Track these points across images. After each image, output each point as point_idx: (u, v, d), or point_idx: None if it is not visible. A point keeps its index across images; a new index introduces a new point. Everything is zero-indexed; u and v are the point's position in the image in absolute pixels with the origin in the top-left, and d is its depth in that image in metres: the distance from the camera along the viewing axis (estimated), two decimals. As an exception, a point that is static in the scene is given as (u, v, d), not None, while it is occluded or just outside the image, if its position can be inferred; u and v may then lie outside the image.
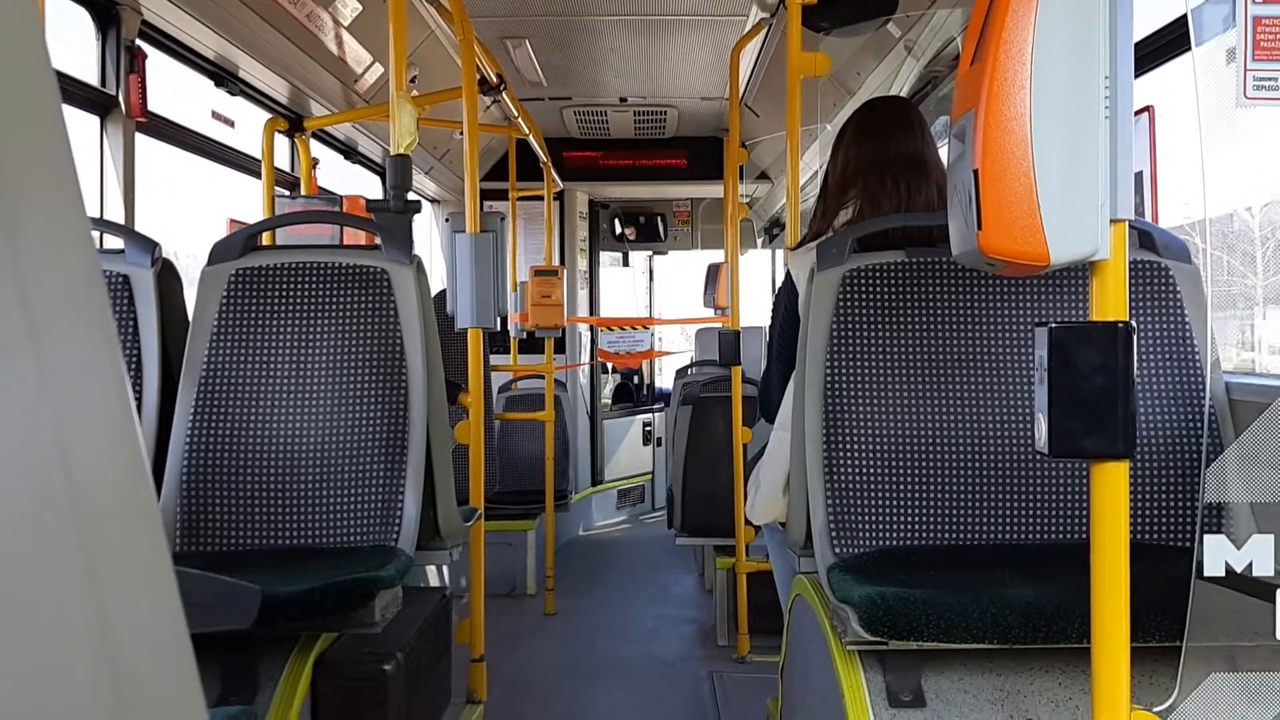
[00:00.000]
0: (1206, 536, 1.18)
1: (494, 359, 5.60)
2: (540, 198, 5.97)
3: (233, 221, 3.70)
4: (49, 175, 0.55)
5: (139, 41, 3.01)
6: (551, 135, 6.40)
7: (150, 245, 2.39)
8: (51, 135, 0.55)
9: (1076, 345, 1.11)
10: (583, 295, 7.59)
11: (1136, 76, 2.34)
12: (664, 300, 9.21)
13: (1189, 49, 1.30)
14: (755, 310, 9.31)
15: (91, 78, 2.95)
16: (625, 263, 8.56)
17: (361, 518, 2.18)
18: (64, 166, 0.55)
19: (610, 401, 8.11)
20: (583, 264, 7.57)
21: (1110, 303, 1.11)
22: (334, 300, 2.29)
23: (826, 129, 4.47)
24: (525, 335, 5.87)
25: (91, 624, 0.53)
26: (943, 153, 3.38)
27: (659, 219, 8.15)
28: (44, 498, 0.51)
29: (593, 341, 7.73)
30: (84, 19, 2.93)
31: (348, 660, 1.88)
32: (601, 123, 6.51)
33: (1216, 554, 1.17)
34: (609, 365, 8.05)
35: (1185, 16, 1.25)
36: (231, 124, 3.79)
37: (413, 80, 4.35)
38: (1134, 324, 1.12)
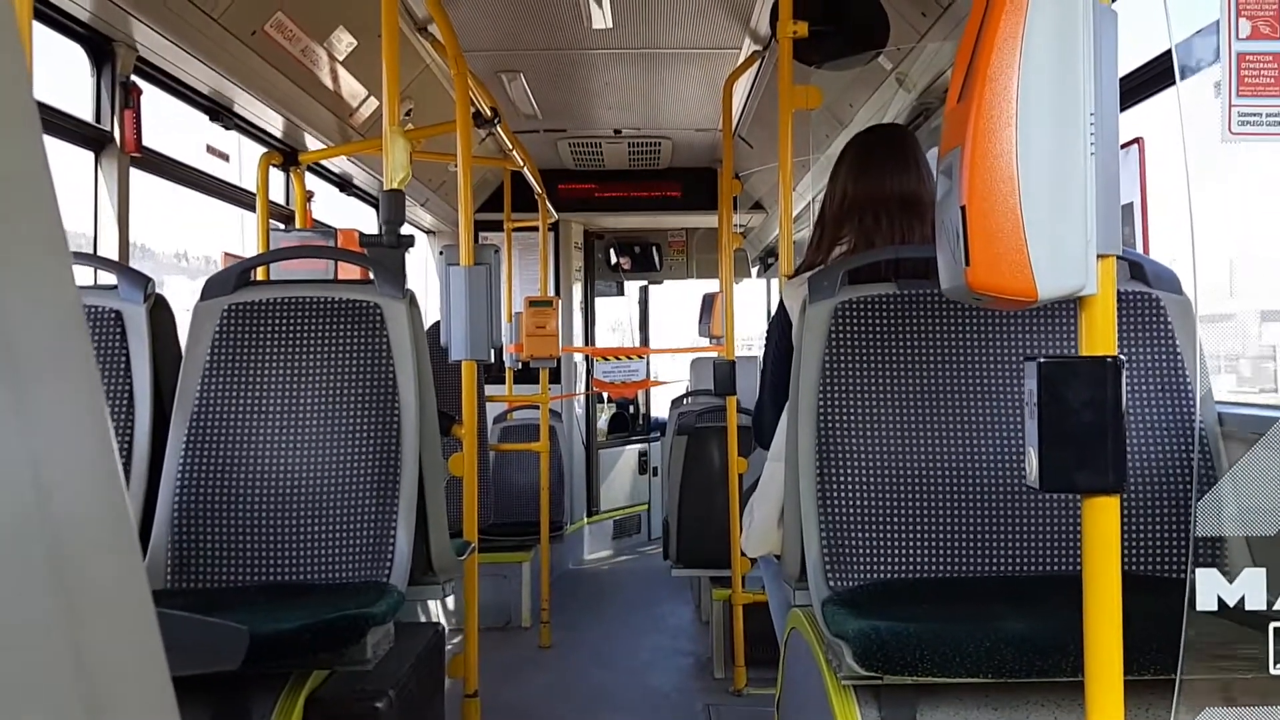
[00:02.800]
0: (1199, 570, 1.18)
1: (489, 389, 5.59)
2: (535, 229, 6.00)
3: (228, 255, 3.71)
4: (29, 209, 0.55)
5: (133, 77, 3.03)
6: (546, 167, 6.43)
7: (143, 281, 2.39)
8: (32, 168, 0.55)
9: (1066, 380, 1.11)
10: (578, 325, 7.60)
11: (1125, 109, 2.36)
12: (660, 330, 9.23)
13: (1173, 84, 1.31)
14: (750, 340, 9.33)
15: (86, 113, 2.97)
16: (620, 292, 8.57)
17: (354, 553, 2.17)
18: (45, 200, 0.55)
19: (606, 431, 8.10)
20: (578, 294, 7.58)
21: (1099, 337, 1.12)
22: (327, 335, 2.29)
23: (820, 159, 4.49)
24: (521, 366, 5.88)
25: (71, 668, 0.52)
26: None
27: (654, 249, 8.17)
28: (22, 538, 0.50)
29: (588, 371, 7.73)
30: (79, 55, 2.95)
31: (340, 698, 1.87)
32: (596, 154, 6.54)
33: (1209, 587, 1.17)
34: (605, 395, 8.04)
35: (1170, 51, 1.26)
36: (226, 158, 3.80)
37: (408, 114, 4.38)
38: (1124, 356, 1.12)
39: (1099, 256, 1.10)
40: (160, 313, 2.40)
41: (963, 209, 1.11)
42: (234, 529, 2.19)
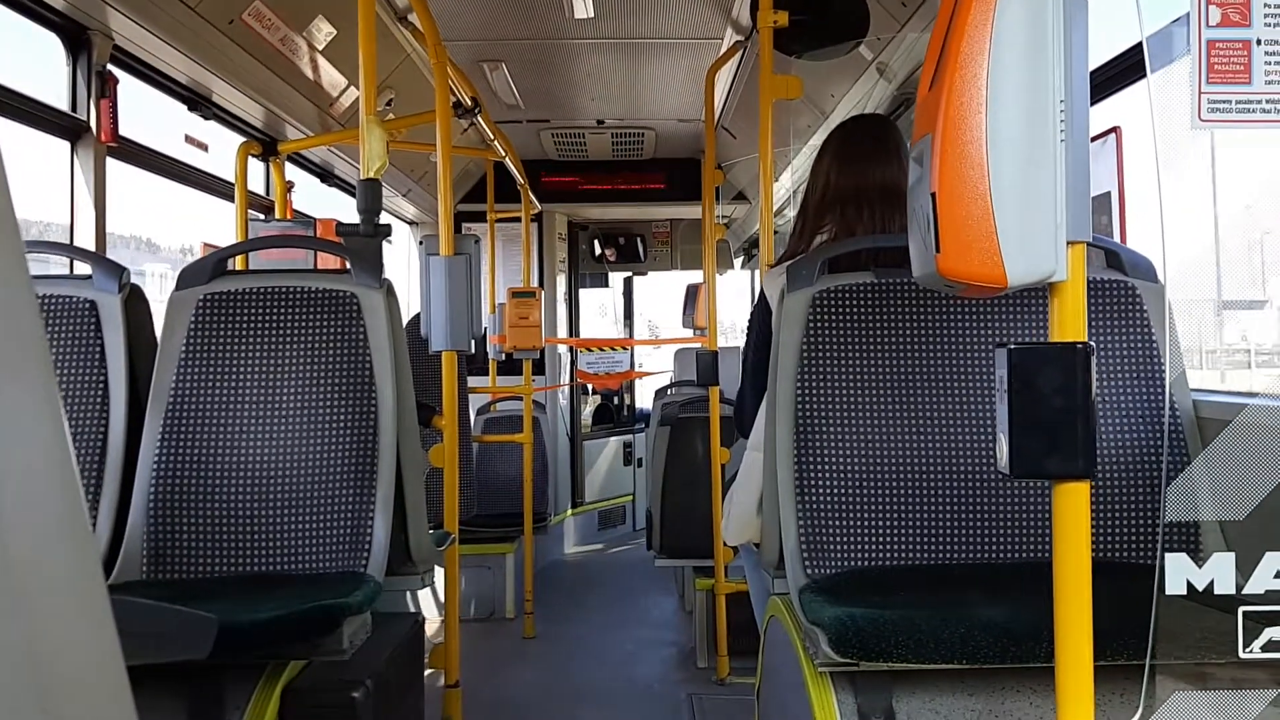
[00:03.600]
0: (1168, 555, 1.18)
1: (472, 381, 5.58)
2: (518, 219, 5.99)
3: (206, 245, 3.69)
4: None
5: (110, 66, 3.01)
6: (529, 157, 6.42)
7: (118, 271, 2.37)
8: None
9: (1036, 366, 1.12)
10: (562, 316, 7.59)
11: (1101, 100, 2.36)
12: (644, 320, 9.23)
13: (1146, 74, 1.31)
14: (734, 330, 9.33)
15: (62, 103, 2.94)
16: (605, 284, 8.56)
17: (330, 543, 2.16)
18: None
19: (590, 422, 8.10)
20: (562, 285, 7.57)
21: (1069, 323, 1.12)
22: (303, 325, 2.28)
23: (801, 149, 4.49)
24: (504, 357, 5.87)
25: (22, 660, 0.52)
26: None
27: (638, 240, 8.17)
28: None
29: (572, 362, 7.72)
30: (54, 44, 2.92)
31: (316, 688, 1.86)
32: (579, 145, 6.53)
33: (1178, 572, 1.17)
34: (589, 386, 8.04)
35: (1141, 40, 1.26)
36: (205, 148, 3.78)
37: (389, 104, 4.36)
38: (1100, 344, 1.12)
39: (1069, 243, 1.11)
40: (135, 303, 2.39)
41: (933, 196, 1.11)
42: (210, 520, 2.18)
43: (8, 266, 0.55)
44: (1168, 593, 1.18)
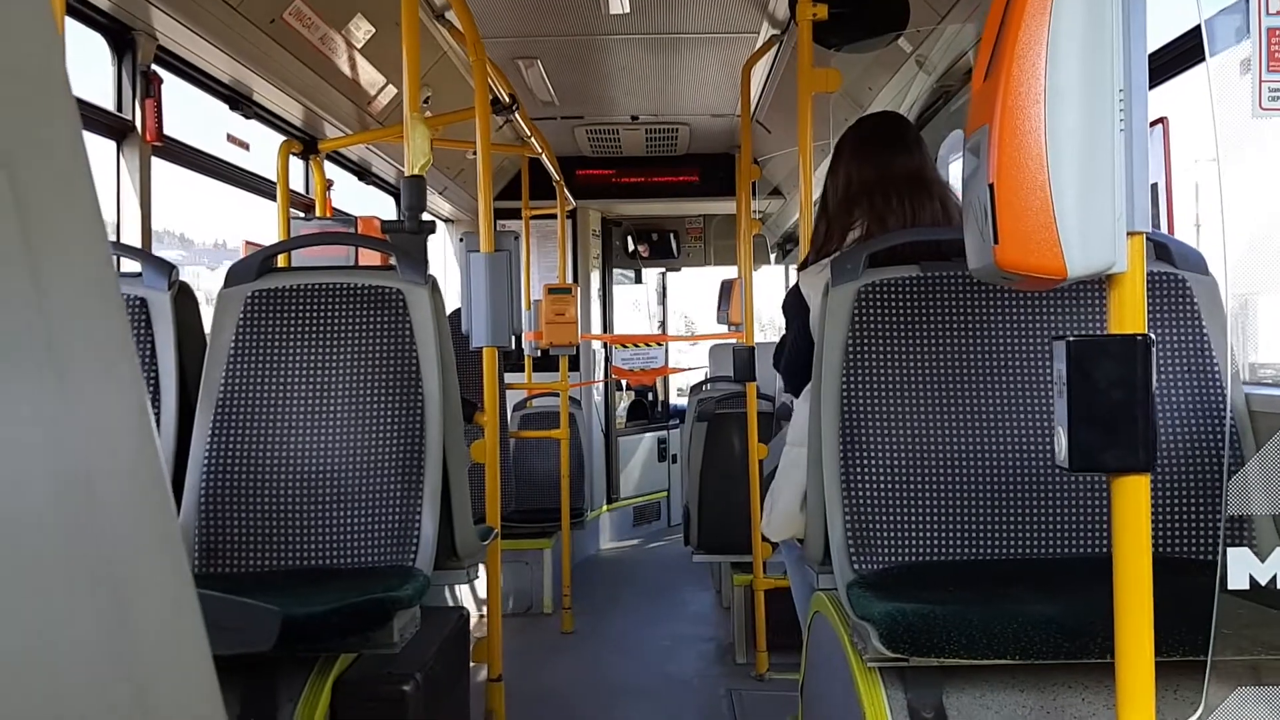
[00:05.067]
0: (1230, 549, 1.17)
1: (508, 377, 5.60)
2: (553, 216, 5.99)
3: (248, 244, 3.72)
4: (71, 202, 0.55)
5: (154, 66, 3.04)
6: (564, 154, 6.42)
7: (167, 268, 2.40)
8: (74, 163, 0.56)
9: (1095, 358, 1.11)
10: (596, 313, 7.60)
11: (1150, 88, 2.34)
12: (678, 316, 9.22)
13: (1202, 60, 1.30)
14: (770, 326, 9.31)
15: (108, 103, 2.98)
16: (638, 280, 8.57)
17: (379, 538, 2.18)
18: (85, 193, 0.56)
19: (625, 419, 8.10)
20: (596, 281, 7.58)
21: (1129, 315, 1.11)
22: (350, 321, 2.30)
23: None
24: (539, 353, 5.88)
25: (117, 650, 0.53)
26: (958, 166, 3.38)
27: (672, 235, 8.16)
28: (70, 524, 0.51)
29: (607, 359, 7.73)
30: (100, 45, 2.96)
31: (367, 681, 1.88)
32: (613, 141, 6.53)
33: (1240, 567, 1.16)
34: (623, 382, 8.04)
35: (1199, 28, 1.25)
36: (246, 147, 3.82)
37: (426, 101, 4.38)
38: (1153, 336, 1.11)
39: (1128, 234, 1.10)
40: (184, 299, 2.42)
41: (991, 187, 1.10)
42: (260, 514, 2.20)
43: (99, 271, 0.56)
44: (1230, 588, 1.16)
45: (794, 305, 2.39)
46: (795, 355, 2.36)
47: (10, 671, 0.46)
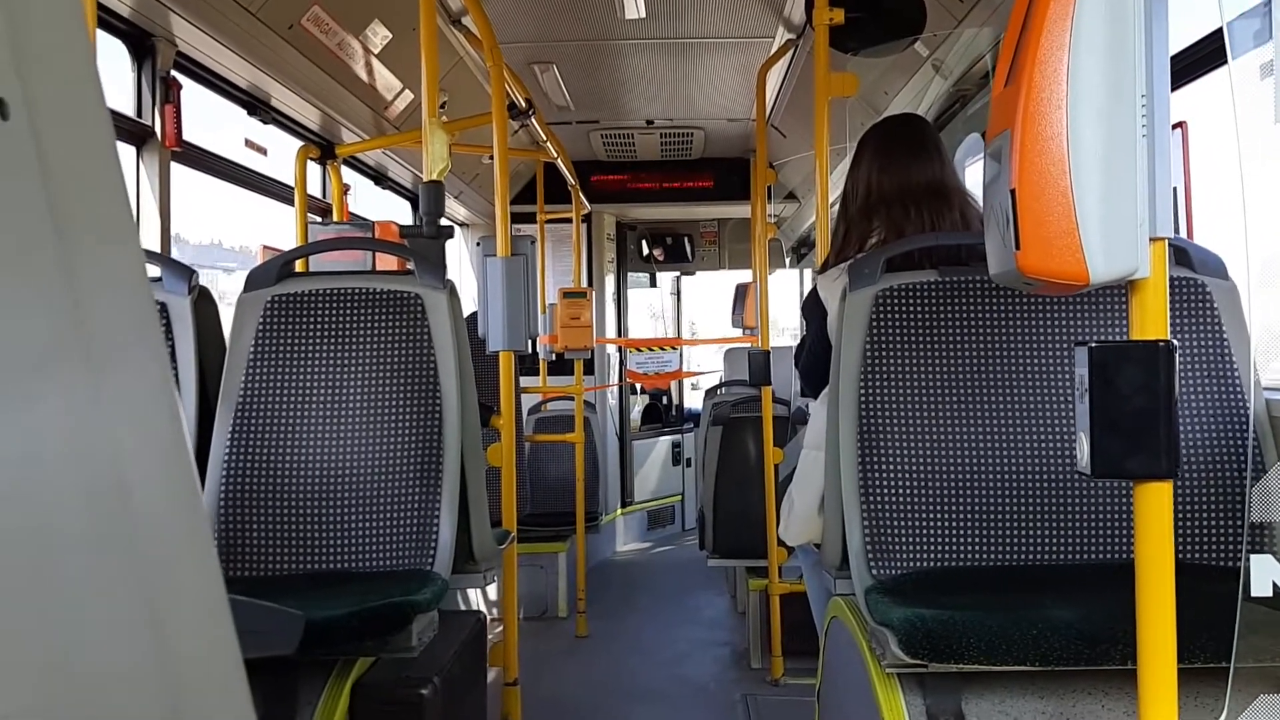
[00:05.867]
0: (1253, 556, 1.16)
1: (524, 381, 5.62)
2: (568, 220, 6.01)
3: (266, 248, 3.74)
4: (106, 213, 0.56)
5: (173, 72, 3.06)
6: (579, 158, 6.44)
7: (187, 273, 2.42)
8: (108, 174, 0.56)
9: (1117, 364, 1.10)
10: (611, 316, 7.61)
11: (1170, 92, 2.31)
12: (692, 320, 9.23)
13: (1222, 64, 1.29)
14: (785, 330, 9.31)
15: (128, 108, 3.00)
16: (653, 284, 8.58)
17: (397, 542, 2.19)
18: (120, 204, 0.57)
19: (639, 422, 8.11)
20: (611, 285, 7.59)
21: (1151, 321, 1.10)
22: (369, 325, 2.31)
23: (855, 147, 4.46)
24: (554, 357, 5.89)
25: (152, 654, 0.53)
26: (975, 170, 3.37)
27: (686, 239, 8.17)
28: (105, 531, 0.51)
29: (621, 362, 7.74)
30: (120, 51, 2.98)
31: (385, 684, 1.89)
32: (628, 145, 6.54)
33: (1263, 573, 1.16)
34: (638, 386, 8.05)
35: (1220, 30, 1.24)
36: (264, 152, 3.84)
37: (442, 106, 4.39)
38: (1175, 343, 1.11)
39: (1151, 240, 1.09)
40: (204, 304, 2.43)
41: (1013, 192, 1.10)
42: (279, 518, 2.21)
43: (132, 273, 0.57)
44: (1253, 594, 1.16)
45: (812, 308, 2.39)
46: (812, 359, 2.36)
47: (47, 677, 0.47)
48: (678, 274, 8.70)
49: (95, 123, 0.56)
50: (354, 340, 2.30)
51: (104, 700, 0.50)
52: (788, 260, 8.56)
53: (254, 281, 2.36)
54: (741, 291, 7.31)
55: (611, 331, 7.59)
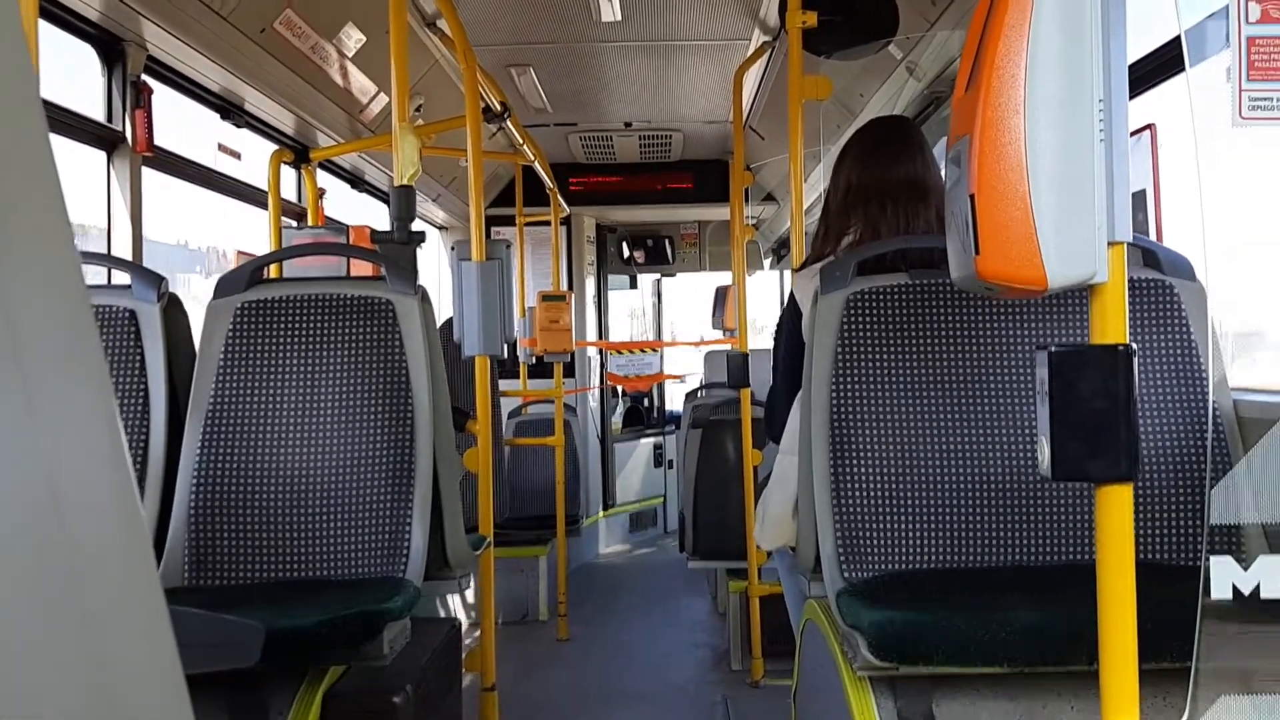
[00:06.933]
0: (1213, 557, 1.17)
1: (503, 384, 5.61)
2: (547, 223, 6.01)
3: (240, 253, 3.73)
4: (35, 209, 0.55)
5: (144, 76, 3.04)
6: (558, 160, 6.44)
7: (156, 280, 2.40)
8: (38, 167, 0.55)
9: (1077, 368, 1.11)
10: (591, 319, 7.61)
11: (1135, 96, 2.34)
12: (671, 321, 9.24)
13: (1183, 70, 1.30)
14: (764, 333, 9.33)
15: (98, 114, 2.98)
16: (633, 285, 8.58)
17: (369, 549, 2.18)
18: (51, 199, 0.56)
19: (620, 425, 8.11)
20: (591, 288, 7.58)
21: (1110, 325, 1.11)
22: (339, 332, 2.30)
23: (831, 150, 4.48)
24: (535, 360, 5.89)
25: (88, 671, 0.53)
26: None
27: (666, 241, 8.18)
28: (38, 542, 0.51)
29: (602, 365, 7.74)
30: (90, 55, 2.96)
31: (357, 694, 1.88)
32: (607, 147, 6.54)
33: (1223, 575, 1.16)
34: (619, 389, 8.05)
35: (1179, 37, 1.25)
36: (238, 156, 3.82)
37: (418, 109, 4.38)
38: (1137, 344, 1.11)
39: (1110, 244, 1.10)
40: (174, 312, 2.41)
41: (972, 197, 1.10)
42: (250, 526, 2.20)
43: (66, 277, 0.56)
44: (1213, 596, 1.16)
45: (786, 310, 2.39)
46: (789, 360, 2.36)
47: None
48: (658, 276, 8.70)
49: (26, 117, 0.55)
50: (325, 347, 2.29)
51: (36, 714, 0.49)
52: (766, 262, 8.58)
53: (224, 288, 2.35)
54: (722, 294, 7.32)
55: (592, 334, 7.58)
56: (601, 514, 7.37)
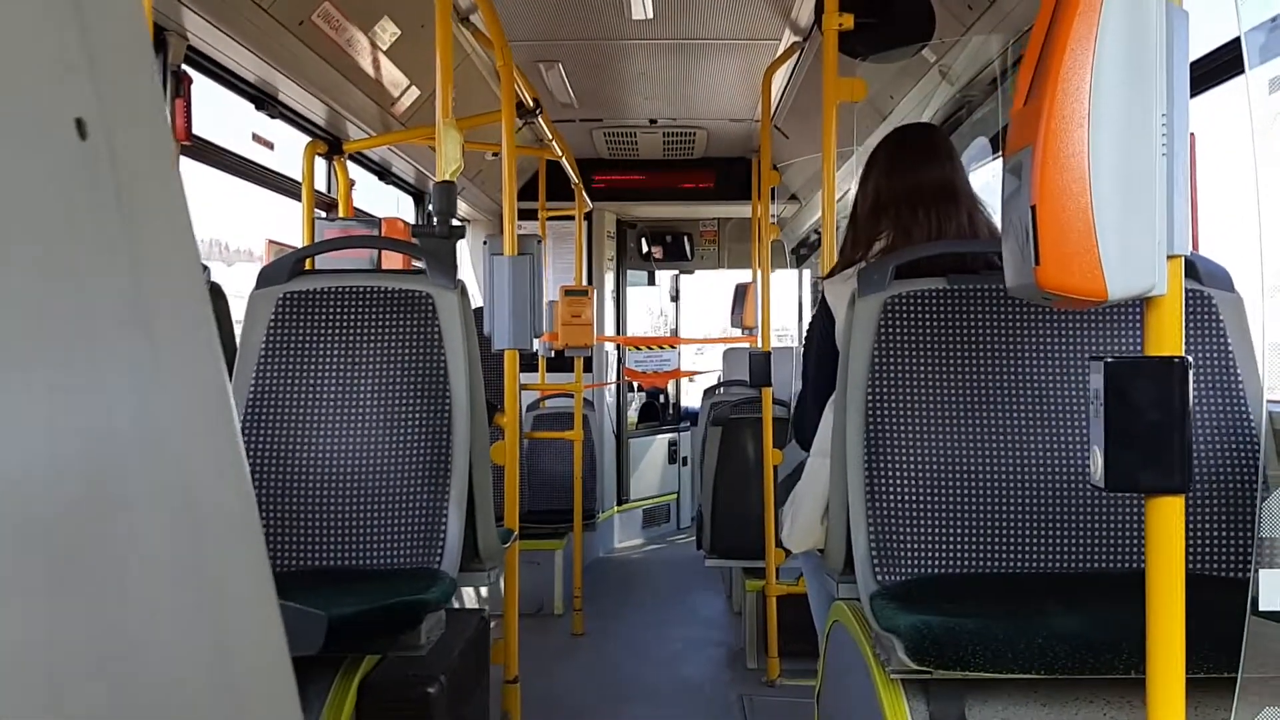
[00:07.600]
0: (1262, 571, 1.18)
1: (523, 378, 5.62)
2: (569, 217, 6.01)
3: (271, 243, 3.75)
4: (168, 218, 0.58)
5: (184, 66, 3.06)
6: (581, 156, 6.44)
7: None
8: (170, 182, 0.58)
9: (1132, 379, 1.12)
10: (610, 314, 7.62)
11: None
12: (690, 320, 9.24)
13: (1226, 79, 1.31)
14: (783, 332, 9.32)
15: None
16: (652, 282, 8.59)
17: (406, 540, 2.20)
18: (179, 208, 0.58)
19: (636, 420, 8.12)
20: (610, 283, 7.60)
21: (1167, 337, 1.12)
22: (379, 324, 2.32)
23: (860, 151, 4.48)
24: (553, 354, 5.90)
25: (214, 659, 0.54)
26: (980, 174, 3.39)
27: (686, 238, 8.18)
28: (171, 519, 0.53)
29: (619, 360, 7.75)
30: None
31: (393, 683, 1.90)
32: (631, 144, 6.55)
33: (1274, 588, 1.17)
34: (635, 384, 8.06)
35: (1237, 40, 1.26)
36: (271, 146, 3.84)
37: (449, 104, 4.39)
38: (1190, 358, 1.12)
39: (1168, 257, 1.11)
40: (215, 300, 2.44)
41: (1033, 208, 1.11)
42: (289, 515, 2.22)
43: (189, 269, 0.59)
44: (1262, 608, 1.17)
45: (816, 316, 2.40)
46: (819, 368, 2.36)
47: (109, 671, 0.48)
48: (676, 273, 8.71)
49: (159, 136, 0.58)
50: (365, 338, 2.31)
51: (168, 698, 0.51)
52: (789, 261, 8.58)
53: (266, 279, 2.37)
54: (741, 292, 7.33)
55: (611, 329, 7.60)
56: (616, 509, 7.39)
